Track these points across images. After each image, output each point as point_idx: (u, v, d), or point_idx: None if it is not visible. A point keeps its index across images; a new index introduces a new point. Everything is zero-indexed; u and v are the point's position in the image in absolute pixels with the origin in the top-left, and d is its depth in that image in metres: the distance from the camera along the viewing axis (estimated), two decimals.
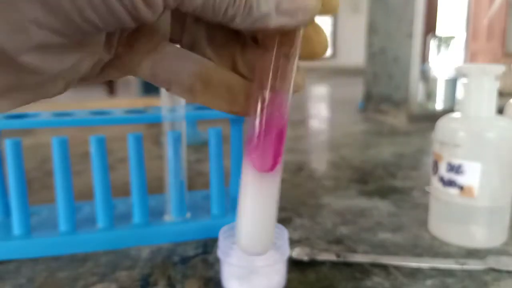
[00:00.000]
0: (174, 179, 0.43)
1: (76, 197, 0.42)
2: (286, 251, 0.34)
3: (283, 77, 0.17)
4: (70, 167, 0.41)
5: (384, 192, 0.58)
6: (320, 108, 1.56)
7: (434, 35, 2.07)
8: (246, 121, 0.18)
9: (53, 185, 0.41)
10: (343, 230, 0.46)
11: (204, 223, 0.44)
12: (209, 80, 0.19)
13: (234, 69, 0.19)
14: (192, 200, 0.48)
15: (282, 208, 0.51)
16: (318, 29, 0.18)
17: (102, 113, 0.43)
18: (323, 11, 0.17)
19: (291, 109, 0.18)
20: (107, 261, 0.40)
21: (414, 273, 0.37)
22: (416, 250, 0.41)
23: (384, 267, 0.38)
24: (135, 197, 0.43)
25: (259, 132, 0.17)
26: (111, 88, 2.91)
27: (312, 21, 0.17)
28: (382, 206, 0.53)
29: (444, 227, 0.43)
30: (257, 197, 0.18)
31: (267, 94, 0.17)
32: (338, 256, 0.39)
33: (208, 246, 0.42)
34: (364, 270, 0.38)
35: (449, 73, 1.25)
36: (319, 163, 0.76)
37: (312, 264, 0.38)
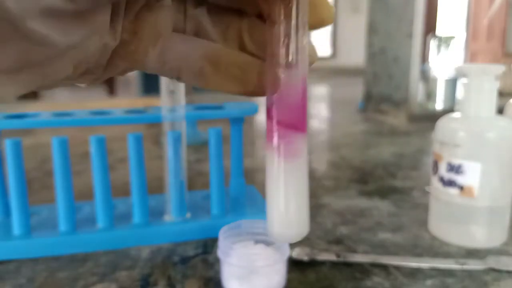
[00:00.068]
0: (174, 179, 0.43)
1: (76, 197, 0.42)
2: (286, 251, 0.34)
3: (296, 50, 0.17)
4: (70, 167, 0.41)
5: (384, 192, 0.58)
6: (320, 108, 1.56)
7: (434, 35, 2.07)
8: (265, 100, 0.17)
9: (53, 185, 0.41)
10: (343, 230, 0.46)
11: (204, 223, 0.44)
12: (218, 61, 0.18)
13: (243, 49, 0.19)
14: (192, 200, 0.48)
15: None
16: None
17: (102, 113, 0.43)
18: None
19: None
20: (107, 261, 0.40)
21: (414, 273, 0.37)
22: (416, 250, 0.41)
23: (384, 267, 0.38)
24: (135, 197, 0.43)
25: (280, 112, 0.17)
26: (111, 88, 2.91)
27: None
28: (382, 206, 0.53)
29: (444, 227, 0.43)
30: (290, 179, 0.17)
31: (282, 70, 0.17)
32: (338, 256, 0.39)
33: (208, 246, 0.42)
34: (364, 270, 0.38)
35: (449, 73, 1.25)
36: (319, 163, 0.76)
37: (312, 264, 0.38)
